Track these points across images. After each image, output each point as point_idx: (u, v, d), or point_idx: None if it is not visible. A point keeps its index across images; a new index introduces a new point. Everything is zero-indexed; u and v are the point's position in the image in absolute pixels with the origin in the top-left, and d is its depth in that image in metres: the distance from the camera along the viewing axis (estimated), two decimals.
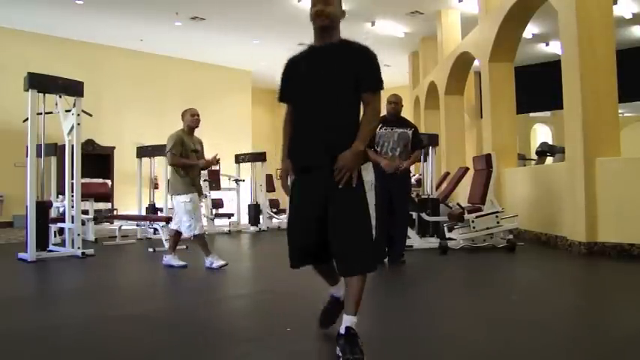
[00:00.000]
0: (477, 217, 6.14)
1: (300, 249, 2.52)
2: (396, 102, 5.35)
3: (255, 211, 10.14)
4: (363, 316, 3.28)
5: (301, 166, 2.52)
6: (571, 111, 5.85)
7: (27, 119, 5.85)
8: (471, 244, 6.27)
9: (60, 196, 8.09)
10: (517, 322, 3.04)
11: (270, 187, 11.38)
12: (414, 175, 10.25)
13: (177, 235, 5.27)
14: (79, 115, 6.08)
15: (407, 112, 14.62)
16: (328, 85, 2.49)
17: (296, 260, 2.54)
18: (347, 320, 2.44)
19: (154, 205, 9.00)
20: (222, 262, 5.11)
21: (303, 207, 2.50)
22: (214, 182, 10.10)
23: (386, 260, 5.38)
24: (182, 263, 5.24)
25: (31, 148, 5.92)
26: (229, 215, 10.25)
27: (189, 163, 5.19)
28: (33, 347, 2.70)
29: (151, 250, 6.71)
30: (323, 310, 2.83)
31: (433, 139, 7.11)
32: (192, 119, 5.24)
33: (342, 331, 2.40)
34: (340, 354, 2.34)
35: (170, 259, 5.27)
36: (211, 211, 9.47)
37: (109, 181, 11.87)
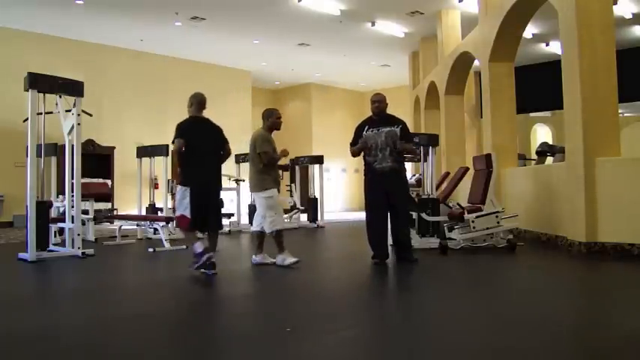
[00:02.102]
0: (477, 217, 6.14)
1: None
2: (379, 101, 5.34)
3: (255, 211, 10.11)
4: (361, 317, 3.30)
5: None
6: (571, 111, 5.85)
7: (27, 119, 5.85)
8: (471, 244, 6.26)
9: (60, 196, 8.09)
10: (517, 322, 3.04)
11: None
12: (415, 175, 10.25)
13: (262, 235, 5.38)
14: (79, 115, 6.08)
15: (407, 112, 14.69)
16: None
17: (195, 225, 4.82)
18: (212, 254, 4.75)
19: (154, 205, 9.00)
20: (293, 260, 5.18)
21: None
22: None
23: (388, 260, 5.38)
24: (273, 260, 5.31)
25: (31, 148, 5.91)
26: (229, 215, 10.23)
27: (277, 157, 5.33)
28: (33, 347, 2.70)
29: (151, 250, 6.71)
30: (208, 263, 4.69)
31: (433, 139, 7.10)
32: (277, 122, 5.40)
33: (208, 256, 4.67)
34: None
35: (262, 259, 5.36)
36: None
37: (109, 181, 11.87)
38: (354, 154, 5.53)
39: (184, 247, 7.02)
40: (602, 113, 5.62)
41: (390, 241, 5.47)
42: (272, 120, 5.39)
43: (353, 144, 5.46)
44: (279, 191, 5.42)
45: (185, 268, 5.32)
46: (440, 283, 4.57)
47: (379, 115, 5.36)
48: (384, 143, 5.21)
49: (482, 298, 3.83)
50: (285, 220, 10.79)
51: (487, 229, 6.15)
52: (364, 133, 5.31)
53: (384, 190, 5.22)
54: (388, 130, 5.24)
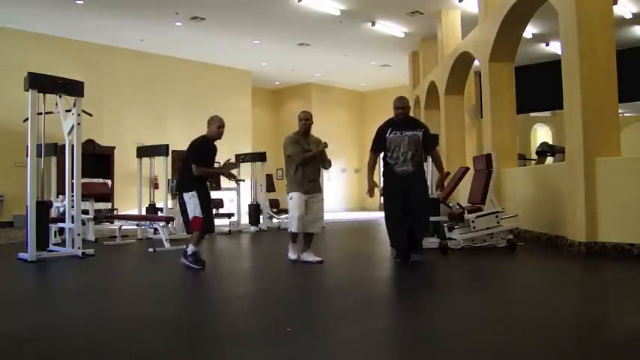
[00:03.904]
0: (477, 217, 6.14)
1: None
2: (402, 107, 5.34)
3: (255, 211, 10.14)
4: (362, 317, 3.30)
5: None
6: (571, 111, 5.85)
7: (27, 119, 5.85)
8: (471, 244, 6.26)
9: (60, 196, 8.09)
10: (517, 322, 3.04)
11: (270, 187, 11.37)
12: None
13: (308, 235, 5.47)
14: (79, 115, 6.08)
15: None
16: None
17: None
18: (191, 248, 5.16)
19: (154, 205, 9.00)
20: (293, 257, 5.41)
21: None
22: (214, 182, 10.10)
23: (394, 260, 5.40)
24: (318, 259, 5.36)
25: (31, 148, 5.91)
26: (229, 215, 10.24)
27: (305, 158, 5.43)
28: (33, 347, 2.70)
29: (151, 250, 6.71)
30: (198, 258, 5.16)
31: (433, 139, 7.10)
32: (300, 124, 5.52)
33: (190, 251, 5.17)
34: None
35: (306, 256, 5.42)
36: None
37: (109, 181, 11.87)
38: (368, 169, 5.55)
39: (185, 247, 7.03)
40: (602, 113, 5.62)
41: None
42: (299, 123, 5.53)
43: (374, 148, 5.45)
44: (308, 193, 5.42)
45: (185, 267, 5.32)
46: (440, 283, 4.58)
47: (403, 120, 5.35)
48: (407, 147, 5.21)
49: (483, 298, 3.83)
50: (285, 220, 10.82)
51: (487, 229, 6.15)
52: (387, 135, 5.29)
53: (403, 191, 5.20)
54: (411, 134, 5.24)
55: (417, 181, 5.30)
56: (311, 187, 5.46)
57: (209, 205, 5.26)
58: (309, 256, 5.40)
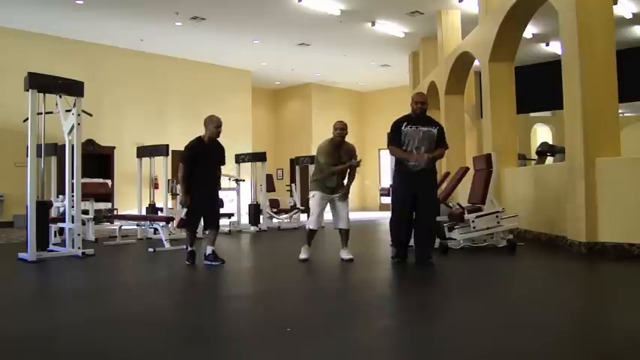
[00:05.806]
0: (477, 217, 6.14)
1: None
2: (422, 102, 5.31)
3: (255, 211, 10.14)
4: (361, 317, 3.29)
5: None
6: (571, 111, 5.85)
7: (27, 119, 5.85)
8: (472, 244, 6.26)
9: (60, 196, 8.09)
10: (517, 323, 3.04)
11: (270, 187, 11.37)
12: None
13: (342, 232, 5.60)
14: (79, 115, 6.08)
15: (407, 112, 14.66)
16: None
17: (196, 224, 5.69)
18: (209, 248, 5.36)
19: (154, 205, 9.00)
20: (302, 256, 5.53)
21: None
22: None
23: (393, 257, 5.39)
24: (349, 257, 5.47)
25: (31, 148, 5.92)
26: (229, 215, 10.24)
27: (328, 171, 5.57)
28: (33, 348, 2.70)
29: (151, 250, 6.71)
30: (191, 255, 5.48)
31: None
32: (335, 133, 5.52)
33: (209, 251, 5.35)
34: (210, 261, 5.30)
35: (341, 253, 5.57)
36: None
37: (109, 181, 11.87)
38: (395, 154, 5.35)
39: (184, 247, 7.02)
40: (602, 113, 5.62)
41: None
42: (334, 132, 5.57)
43: (395, 142, 5.27)
44: (329, 194, 5.51)
45: (185, 267, 5.32)
46: (440, 284, 4.58)
47: (421, 115, 5.33)
48: (421, 142, 5.19)
49: (483, 298, 3.83)
50: (285, 220, 10.85)
51: (487, 229, 6.16)
52: (403, 129, 5.25)
53: (412, 191, 5.18)
54: (426, 130, 5.23)
55: (428, 182, 5.24)
56: (333, 190, 5.57)
57: (192, 206, 5.36)
58: (342, 253, 5.54)
